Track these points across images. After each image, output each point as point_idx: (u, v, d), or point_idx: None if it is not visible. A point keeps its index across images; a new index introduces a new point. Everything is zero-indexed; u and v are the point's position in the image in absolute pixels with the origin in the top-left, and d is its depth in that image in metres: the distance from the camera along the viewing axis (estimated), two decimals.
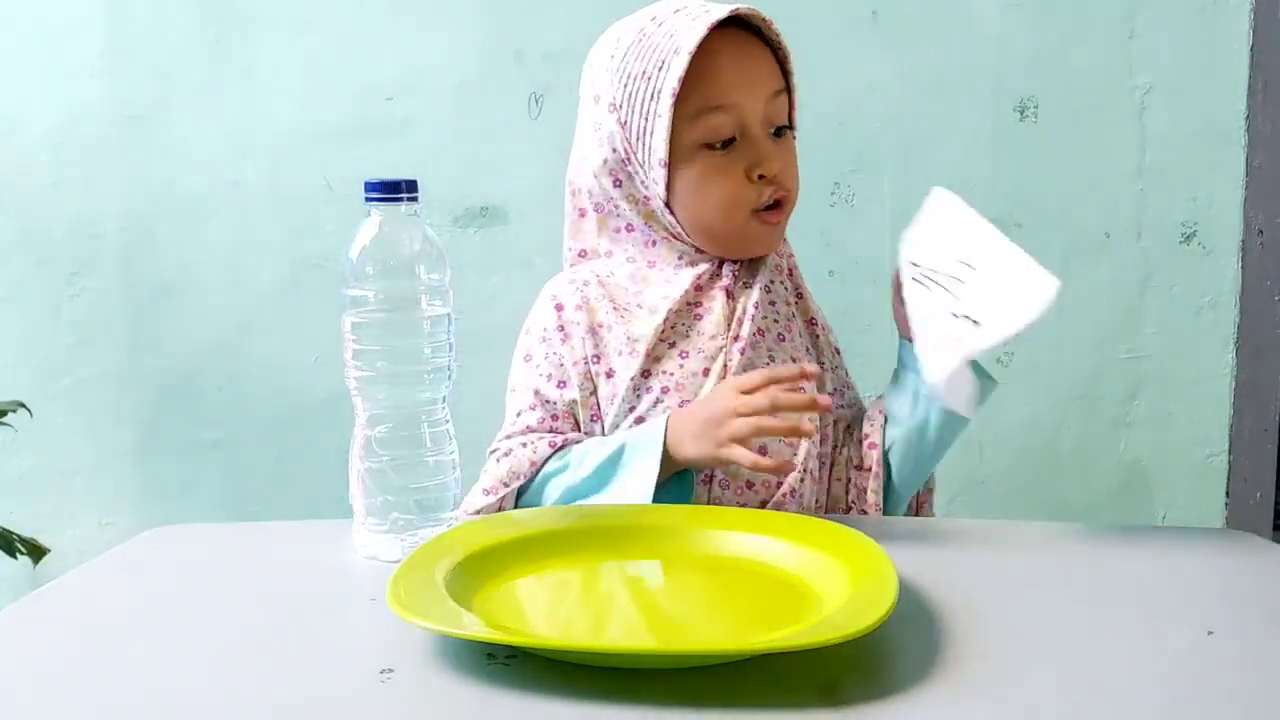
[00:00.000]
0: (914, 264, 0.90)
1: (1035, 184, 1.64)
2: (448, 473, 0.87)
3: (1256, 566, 0.82)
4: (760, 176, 0.94)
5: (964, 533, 0.91)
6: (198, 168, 1.66)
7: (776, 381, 0.86)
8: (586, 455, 0.93)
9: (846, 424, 1.04)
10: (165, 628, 0.71)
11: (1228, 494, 1.66)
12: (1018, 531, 0.91)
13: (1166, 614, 0.70)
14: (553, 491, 0.94)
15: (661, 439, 0.89)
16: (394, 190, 0.84)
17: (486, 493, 0.95)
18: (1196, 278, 1.64)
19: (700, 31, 0.91)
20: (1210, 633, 0.67)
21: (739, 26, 0.95)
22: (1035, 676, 0.61)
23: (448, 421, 0.87)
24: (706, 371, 0.95)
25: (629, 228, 0.99)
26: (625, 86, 0.94)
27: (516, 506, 0.95)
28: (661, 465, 0.88)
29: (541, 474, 0.95)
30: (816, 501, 0.99)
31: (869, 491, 0.99)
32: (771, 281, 1.01)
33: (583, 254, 1.03)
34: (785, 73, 0.97)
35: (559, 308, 0.99)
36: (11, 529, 1.48)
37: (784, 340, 0.99)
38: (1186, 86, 1.61)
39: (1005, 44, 1.61)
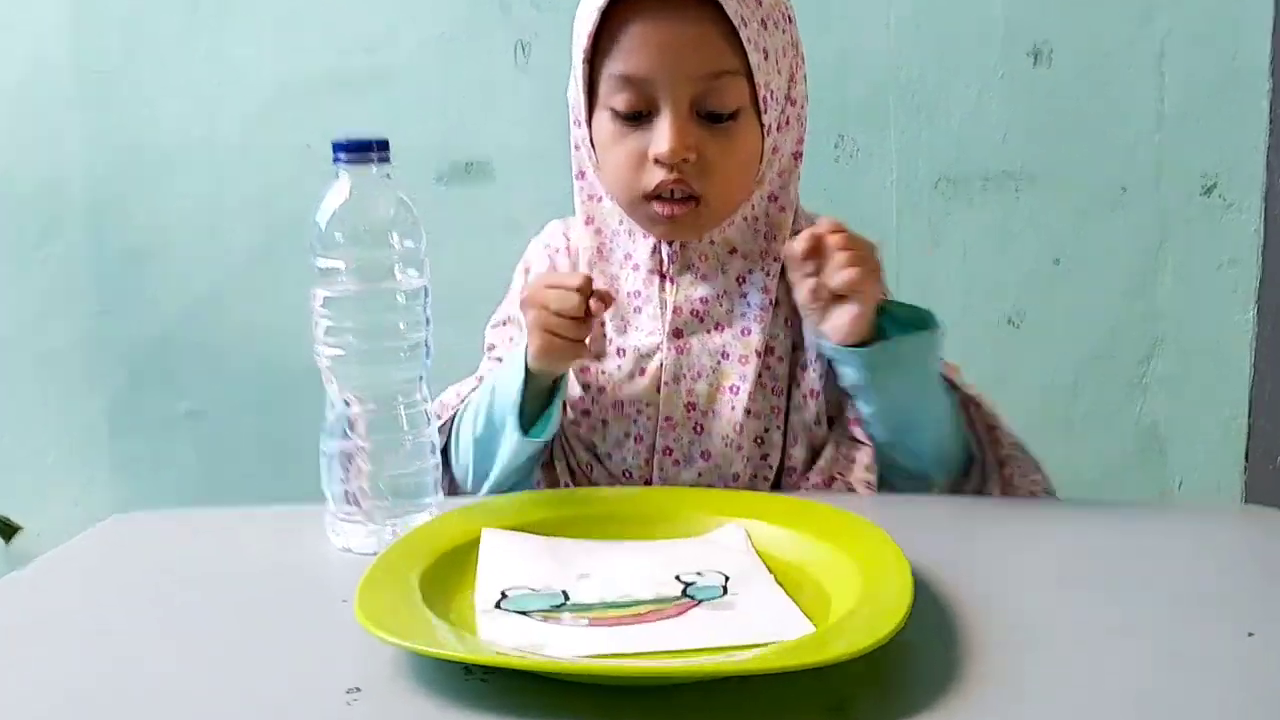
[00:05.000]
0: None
1: (1049, 134, 1.58)
2: (426, 456, 0.82)
3: None
4: (656, 161, 0.85)
5: (976, 513, 0.86)
6: (167, 125, 1.61)
7: (555, 286, 0.84)
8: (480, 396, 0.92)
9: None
10: (113, 634, 0.66)
11: (1246, 458, 1.62)
12: (1032, 512, 0.86)
13: (1198, 607, 0.66)
14: (464, 427, 0.93)
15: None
16: (363, 150, 0.78)
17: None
18: (1217, 232, 1.59)
19: None
20: (1251, 634, 0.61)
21: None
22: (1067, 690, 0.56)
23: (426, 401, 0.83)
24: (643, 371, 0.90)
25: (580, 174, 0.95)
26: (572, 39, 0.90)
27: (456, 443, 0.94)
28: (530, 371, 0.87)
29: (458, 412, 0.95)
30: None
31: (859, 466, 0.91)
32: (723, 269, 0.91)
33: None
34: (744, 52, 0.84)
35: (527, 271, 0.98)
36: None
37: (722, 329, 0.90)
38: (1208, 31, 1.55)
39: None
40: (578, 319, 0.82)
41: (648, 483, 0.90)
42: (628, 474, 0.91)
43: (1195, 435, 1.63)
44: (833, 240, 0.81)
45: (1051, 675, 0.57)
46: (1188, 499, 1.63)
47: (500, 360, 0.96)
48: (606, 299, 0.83)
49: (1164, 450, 1.63)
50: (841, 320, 0.82)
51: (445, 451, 0.93)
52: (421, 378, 0.82)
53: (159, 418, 1.66)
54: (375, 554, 0.69)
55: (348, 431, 0.80)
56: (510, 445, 0.86)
